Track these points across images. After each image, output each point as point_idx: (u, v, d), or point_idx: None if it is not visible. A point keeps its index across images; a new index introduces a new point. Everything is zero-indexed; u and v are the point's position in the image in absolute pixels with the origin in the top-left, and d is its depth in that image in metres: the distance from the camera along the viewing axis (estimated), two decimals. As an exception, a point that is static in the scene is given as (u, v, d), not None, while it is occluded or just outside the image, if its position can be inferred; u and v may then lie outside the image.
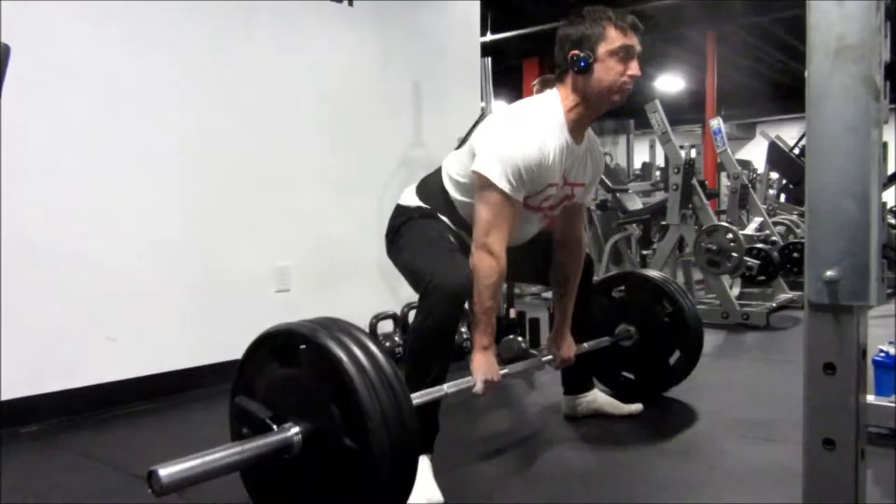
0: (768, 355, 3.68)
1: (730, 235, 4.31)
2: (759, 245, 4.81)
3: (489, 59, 3.81)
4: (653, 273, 2.76)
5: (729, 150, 5.67)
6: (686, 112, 14.26)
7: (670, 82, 13.93)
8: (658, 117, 4.47)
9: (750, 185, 5.81)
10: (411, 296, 1.92)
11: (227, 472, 1.31)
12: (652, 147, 9.08)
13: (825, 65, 0.90)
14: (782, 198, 8.10)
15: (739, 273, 4.50)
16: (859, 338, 0.93)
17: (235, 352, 1.56)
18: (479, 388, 1.84)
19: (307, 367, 1.38)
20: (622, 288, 2.72)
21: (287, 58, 3.30)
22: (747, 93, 14.84)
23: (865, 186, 0.88)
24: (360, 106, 3.64)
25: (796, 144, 7.49)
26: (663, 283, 2.62)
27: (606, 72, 1.84)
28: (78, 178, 2.62)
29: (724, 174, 7.33)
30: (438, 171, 2.07)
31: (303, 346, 1.39)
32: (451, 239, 1.95)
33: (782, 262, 5.04)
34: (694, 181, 4.48)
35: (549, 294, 4.58)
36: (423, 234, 1.97)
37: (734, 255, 4.27)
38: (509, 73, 11.34)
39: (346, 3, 3.56)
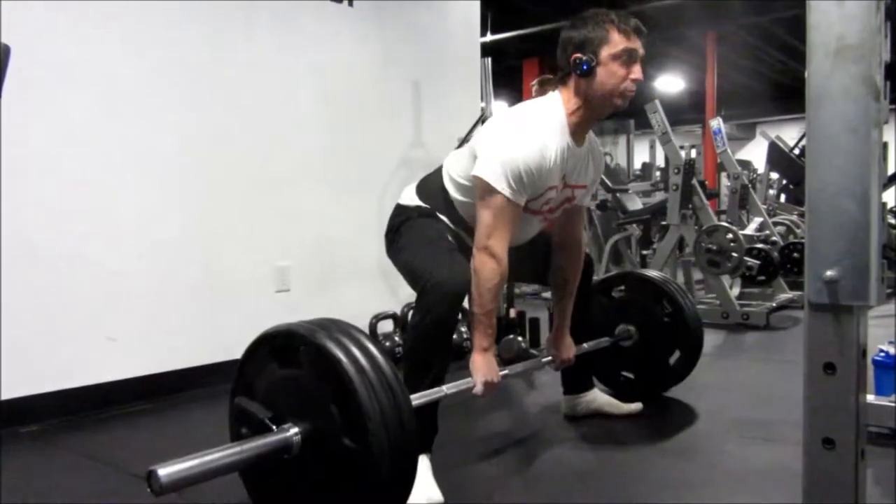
0: (768, 355, 3.68)
1: (730, 235, 4.31)
2: (760, 245, 4.81)
3: (489, 59, 3.81)
4: (653, 273, 2.76)
5: (729, 151, 5.67)
6: (686, 112, 14.27)
7: (670, 82, 13.93)
8: (658, 117, 4.47)
9: (750, 186, 5.81)
10: (411, 295, 1.92)
11: (226, 472, 1.31)
12: (652, 147, 9.08)
13: (825, 65, 0.90)
14: (782, 198, 8.10)
15: (739, 273, 4.50)
16: (859, 338, 0.93)
17: (235, 352, 1.56)
18: (478, 389, 1.84)
19: (306, 367, 1.38)
20: (622, 288, 2.72)
21: (287, 58, 3.30)
22: (747, 93, 14.84)
23: (865, 186, 0.88)
24: (360, 106, 3.64)
25: (796, 145, 7.49)
26: (663, 284, 2.62)
27: (609, 76, 1.83)
28: (78, 178, 2.62)
29: (724, 174, 7.33)
30: (439, 171, 2.07)
31: (302, 347, 1.39)
32: (450, 238, 1.95)
33: (782, 262, 5.04)
34: (694, 181, 4.48)
35: (548, 294, 4.58)
36: (422, 233, 1.97)
37: (734, 255, 4.27)
38: (509, 73, 11.34)
39: (346, 3, 3.56)
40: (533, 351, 2.98)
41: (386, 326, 3.35)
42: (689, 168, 4.43)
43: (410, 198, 2.07)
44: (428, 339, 1.78)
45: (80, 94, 2.63)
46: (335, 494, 1.34)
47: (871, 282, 0.89)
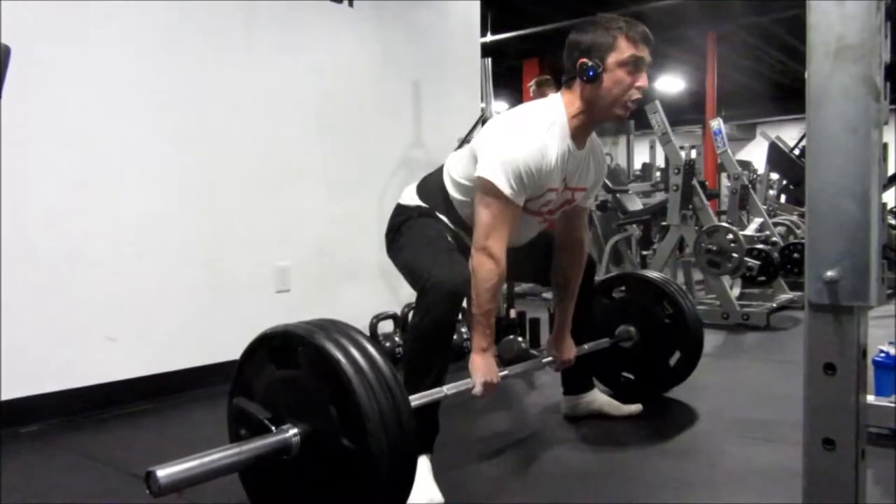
0: (768, 355, 3.68)
1: (730, 236, 4.31)
2: (760, 245, 4.80)
3: (489, 59, 3.81)
4: (653, 274, 2.76)
5: (729, 151, 5.67)
6: (686, 113, 14.27)
7: (670, 83, 13.94)
8: (658, 118, 4.47)
9: (750, 186, 5.81)
10: (411, 296, 1.92)
11: (225, 473, 1.30)
12: (652, 148, 9.08)
13: (825, 65, 0.90)
14: (782, 198, 8.10)
15: (740, 274, 4.50)
16: (859, 338, 0.92)
17: (235, 352, 1.56)
18: (478, 390, 1.84)
19: (305, 368, 1.38)
20: (622, 288, 2.72)
21: (287, 58, 3.30)
22: (747, 93, 14.84)
23: (865, 187, 0.88)
24: (360, 106, 3.64)
25: (796, 145, 7.49)
26: (663, 284, 2.62)
27: (615, 83, 1.83)
28: (78, 178, 2.62)
29: (724, 175, 7.33)
30: (439, 171, 2.07)
31: (301, 348, 1.39)
32: (450, 238, 1.95)
33: (782, 263, 5.04)
34: (694, 182, 4.48)
35: (548, 294, 4.58)
36: (422, 233, 1.97)
37: (734, 255, 4.27)
38: (509, 73, 11.36)
39: (346, 3, 3.56)
40: (533, 351, 2.98)
41: (386, 327, 3.35)
42: (690, 168, 4.43)
43: (411, 197, 2.07)
44: (428, 340, 1.78)
45: (80, 94, 2.63)
46: (334, 495, 1.34)
47: (871, 282, 0.89)
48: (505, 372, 1.96)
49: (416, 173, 2.64)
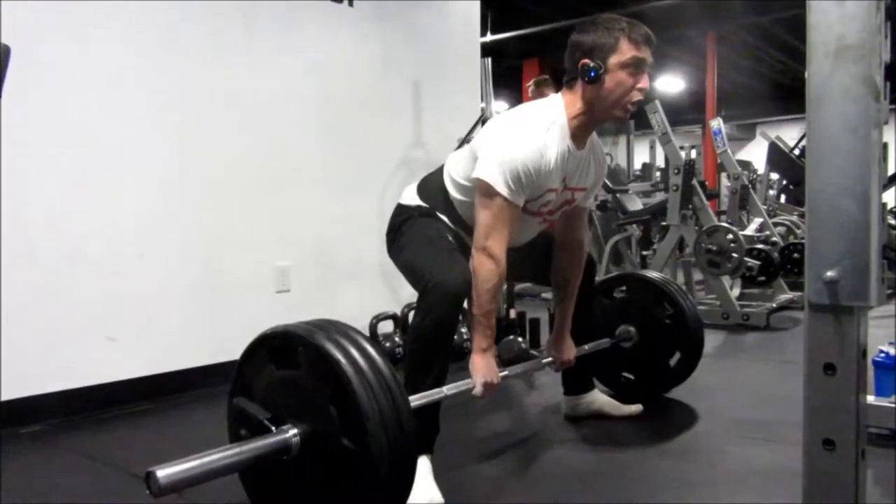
0: (768, 356, 3.68)
1: (730, 236, 4.30)
2: (760, 246, 4.80)
3: (489, 59, 3.81)
4: (653, 274, 2.76)
5: (729, 151, 5.67)
6: (686, 112, 14.27)
7: (670, 82, 13.93)
8: (658, 118, 4.47)
9: (750, 186, 5.81)
10: (411, 296, 1.92)
11: (225, 473, 1.30)
12: (652, 148, 9.07)
13: (825, 65, 0.90)
14: (782, 198, 8.10)
15: (740, 274, 4.50)
16: (859, 338, 0.92)
17: (235, 352, 1.56)
18: (478, 390, 1.84)
19: (305, 368, 1.38)
20: (623, 288, 2.72)
21: (287, 58, 3.30)
22: (747, 93, 14.84)
23: (865, 187, 0.88)
24: (360, 106, 3.64)
25: (796, 145, 7.48)
26: (664, 285, 2.62)
27: (616, 84, 1.82)
28: (78, 178, 2.62)
29: (724, 175, 7.33)
30: (440, 171, 2.07)
31: (301, 348, 1.39)
32: (450, 238, 1.95)
33: (782, 263, 5.04)
34: (694, 182, 4.48)
35: (548, 294, 4.58)
36: (422, 233, 1.97)
37: (734, 255, 4.27)
38: (509, 73, 11.36)
39: (346, 3, 3.56)
40: (533, 352, 2.97)
41: (386, 327, 3.35)
42: (690, 168, 4.43)
43: (411, 197, 2.07)
44: (429, 340, 1.78)
45: (80, 94, 2.63)
46: (334, 495, 1.34)
47: (871, 282, 0.89)
48: (505, 372, 1.96)
49: (416, 173, 2.64)
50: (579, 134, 1.91)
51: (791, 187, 7.79)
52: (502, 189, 1.77)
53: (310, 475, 1.36)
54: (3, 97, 1.43)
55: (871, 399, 1.98)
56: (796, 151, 7.38)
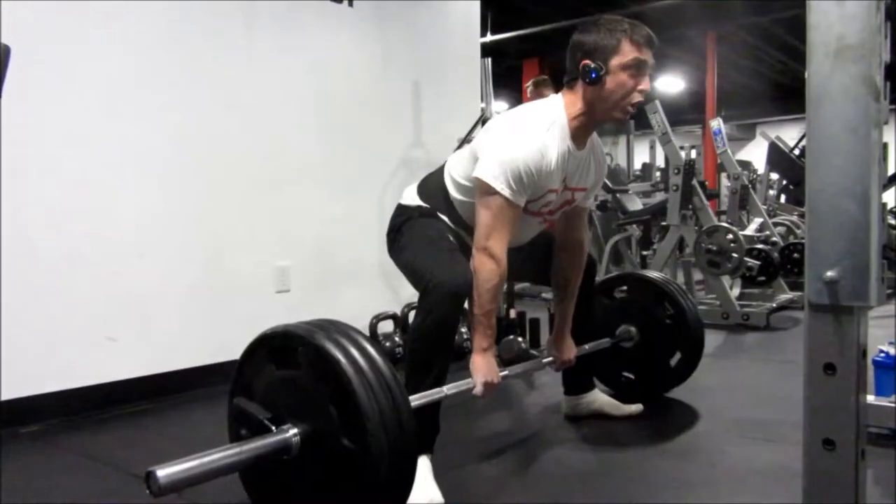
0: (768, 356, 3.68)
1: (730, 236, 4.31)
2: (760, 246, 4.80)
3: (489, 59, 3.81)
4: (654, 274, 2.76)
5: (729, 151, 5.67)
6: (686, 113, 14.27)
7: (670, 82, 13.93)
8: (658, 118, 4.47)
9: (750, 186, 5.81)
10: (411, 296, 1.92)
11: (225, 473, 1.30)
12: (652, 148, 9.07)
13: (825, 65, 0.90)
14: (782, 198, 8.10)
15: (740, 274, 4.50)
16: (859, 338, 0.92)
17: (235, 352, 1.56)
18: (478, 390, 1.84)
19: (305, 368, 1.38)
20: (624, 288, 2.72)
21: (287, 58, 3.30)
22: (747, 93, 14.84)
23: (865, 186, 0.88)
24: (360, 106, 3.64)
25: (796, 145, 7.48)
26: (665, 285, 2.62)
27: (617, 86, 1.82)
28: (78, 178, 2.62)
29: (724, 175, 7.33)
30: (440, 171, 2.07)
31: (301, 348, 1.39)
32: (451, 238, 1.95)
33: (782, 263, 5.04)
34: (694, 182, 4.48)
35: (548, 294, 4.58)
36: (423, 233, 1.97)
37: (734, 255, 4.27)
38: (509, 73, 11.35)
39: (346, 3, 3.56)
40: (533, 351, 2.98)
41: (386, 327, 3.35)
42: (690, 168, 4.43)
43: (412, 197, 2.07)
44: (429, 340, 1.78)
45: (80, 94, 2.63)
46: (334, 495, 1.34)
47: (871, 282, 0.89)
48: (505, 372, 1.96)
49: (416, 173, 2.64)
50: (579, 134, 1.91)
51: (791, 187, 7.79)
52: (503, 189, 1.77)
53: (310, 475, 1.36)
54: (3, 97, 1.43)
55: (871, 399, 1.98)
56: (796, 151, 7.38)
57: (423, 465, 1.75)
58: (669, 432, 2.32)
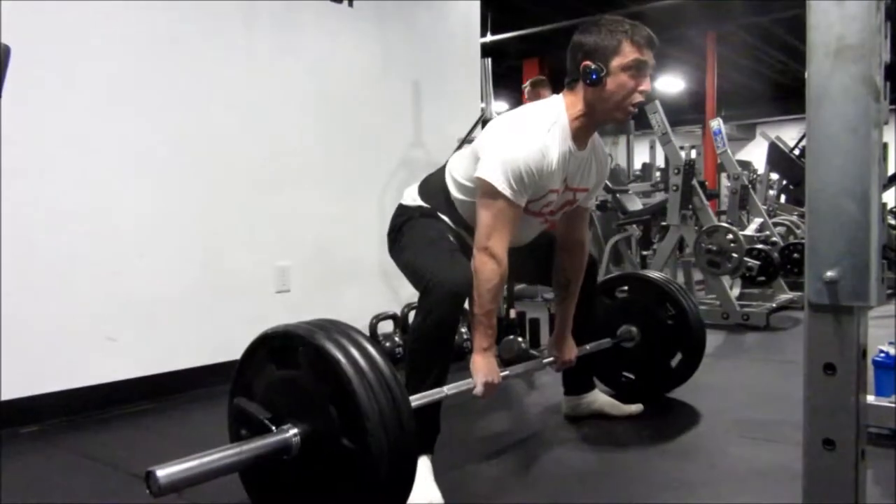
0: (768, 356, 3.68)
1: (730, 236, 4.31)
2: (760, 246, 4.81)
3: (489, 59, 3.81)
4: (655, 274, 2.76)
5: (729, 151, 5.67)
6: (686, 113, 14.27)
7: (670, 83, 13.93)
8: (658, 118, 4.47)
9: (750, 186, 5.81)
10: (411, 296, 1.93)
11: (225, 472, 1.30)
12: (652, 148, 9.08)
13: (825, 65, 0.90)
14: (782, 198, 8.10)
15: (739, 274, 4.50)
16: (859, 338, 0.92)
17: (235, 352, 1.56)
18: (478, 390, 1.84)
19: (305, 368, 1.38)
20: (625, 288, 2.72)
21: (287, 58, 3.30)
22: (747, 93, 14.84)
23: (865, 187, 0.88)
24: (360, 106, 3.64)
25: (796, 145, 7.49)
26: (666, 285, 2.62)
27: (618, 87, 1.82)
28: (78, 178, 2.62)
29: (724, 175, 7.33)
30: (441, 171, 2.07)
31: (301, 348, 1.39)
32: (452, 238, 1.95)
33: (782, 263, 5.04)
34: (694, 182, 4.48)
35: (549, 294, 4.58)
36: (423, 233, 1.97)
37: (734, 255, 4.27)
38: (509, 73, 11.35)
39: (345, 3, 3.56)
40: (533, 351, 2.97)
41: (386, 327, 3.35)
42: (689, 169, 4.43)
43: (412, 198, 2.07)
44: (430, 340, 1.78)
45: (80, 94, 2.63)
46: (334, 495, 1.34)
47: (871, 282, 0.88)
48: (506, 372, 1.96)
49: (416, 173, 2.64)
50: (580, 135, 1.91)
51: (791, 187, 7.79)
52: (504, 189, 1.77)
53: (310, 475, 1.36)
54: (3, 97, 1.43)
55: (871, 399, 1.98)
56: (796, 151, 7.38)
57: (424, 465, 1.75)
58: (670, 432, 2.32)
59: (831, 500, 0.93)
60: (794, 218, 6.45)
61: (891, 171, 5.39)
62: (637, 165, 9.25)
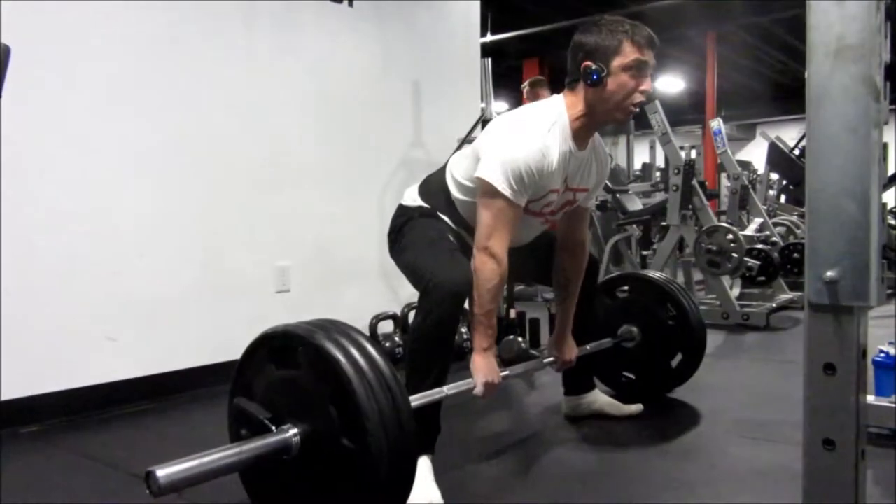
0: (768, 356, 3.68)
1: (730, 236, 4.31)
2: (760, 246, 4.81)
3: (489, 59, 3.81)
4: (656, 275, 2.76)
5: (729, 151, 5.67)
6: (686, 113, 14.27)
7: (670, 83, 13.93)
8: (658, 118, 4.47)
9: (750, 186, 5.81)
10: (411, 296, 1.93)
11: (225, 472, 1.30)
12: (652, 148, 9.08)
13: (825, 65, 0.90)
14: (782, 198, 8.10)
15: (739, 274, 4.50)
16: (859, 338, 0.92)
17: (235, 352, 1.56)
18: (479, 390, 1.84)
19: (305, 368, 1.38)
20: (625, 288, 2.72)
21: (287, 58, 3.30)
22: (747, 93, 14.84)
23: (865, 186, 0.88)
24: (360, 106, 3.64)
25: (796, 145, 7.49)
26: (667, 285, 2.62)
27: (619, 87, 1.82)
28: (78, 178, 2.62)
29: (724, 175, 7.33)
30: (441, 171, 2.07)
31: (301, 348, 1.39)
32: (452, 238, 1.95)
33: (782, 263, 5.04)
34: (694, 182, 4.48)
35: (549, 294, 4.58)
36: (423, 233, 1.97)
37: (734, 255, 4.27)
38: (509, 73, 11.35)
39: (345, 3, 3.56)
40: (533, 351, 2.97)
41: (386, 327, 3.35)
42: (689, 169, 4.43)
43: (413, 198, 2.07)
44: (430, 340, 1.78)
45: (80, 94, 2.63)
46: (334, 495, 1.34)
47: (871, 282, 0.88)
48: (506, 372, 1.96)
49: (416, 173, 2.64)
50: (581, 135, 1.91)
51: (791, 187, 7.79)
52: (504, 189, 1.77)
53: (310, 475, 1.36)
54: (3, 97, 1.43)
55: (871, 399, 1.98)
56: (796, 151, 7.38)
57: (424, 465, 1.75)
58: (670, 432, 2.32)
59: (831, 500, 0.93)
60: (794, 218, 6.45)
61: (891, 171, 5.40)
62: (637, 165, 9.25)
